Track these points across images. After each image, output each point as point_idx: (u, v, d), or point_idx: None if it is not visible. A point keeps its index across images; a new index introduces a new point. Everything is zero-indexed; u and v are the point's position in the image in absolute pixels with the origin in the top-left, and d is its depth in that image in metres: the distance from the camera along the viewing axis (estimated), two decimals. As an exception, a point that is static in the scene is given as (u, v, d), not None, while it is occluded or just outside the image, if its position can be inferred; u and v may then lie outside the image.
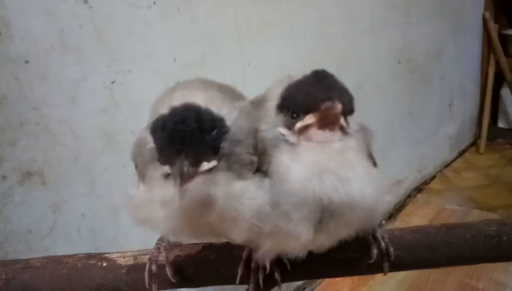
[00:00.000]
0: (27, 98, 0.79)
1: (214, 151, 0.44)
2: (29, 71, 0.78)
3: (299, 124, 0.44)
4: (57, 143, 0.84)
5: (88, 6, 0.84)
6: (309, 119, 0.44)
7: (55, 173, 0.84)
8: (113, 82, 0.90)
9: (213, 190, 0.43)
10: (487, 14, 2.27)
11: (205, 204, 0.43)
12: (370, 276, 1.49)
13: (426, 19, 1.92)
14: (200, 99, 0.46)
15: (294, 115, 0.45)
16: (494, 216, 1.76)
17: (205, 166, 0.43)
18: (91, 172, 0.89)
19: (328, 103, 0.42)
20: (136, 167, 0.52)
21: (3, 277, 0.58)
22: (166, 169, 0.43)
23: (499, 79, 2.39)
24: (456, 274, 1.46)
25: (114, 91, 0.91)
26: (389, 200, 0.49)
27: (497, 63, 2.32)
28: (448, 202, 1.94)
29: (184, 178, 0.41)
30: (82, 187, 0.88)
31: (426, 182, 2.11)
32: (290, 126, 0.45)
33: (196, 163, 0.42)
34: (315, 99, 0.43)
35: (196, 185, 0.42)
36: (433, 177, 2.16)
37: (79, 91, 0.85)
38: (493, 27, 2.28)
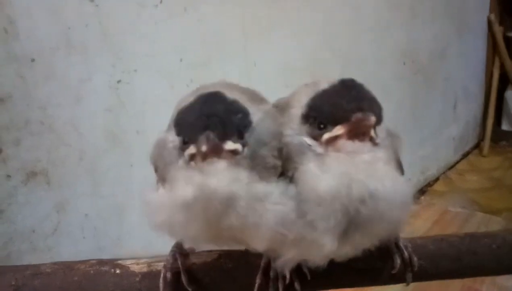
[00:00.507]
0: (32, 97, 0.78)
1: (238, 134, 0.43)
2: (34, 70, 0.78)
3: (326, 136, 0.43)
4: (62, 143, 0.83)
5: (94, 5, 0.83)
6: (338, 130, 0.43)
7: (59, 173, 0.83)
8: (118, 81, 0.89)
9: (236, 186, 0.42)
10: (492, 16, 2.26)
11: (227, 202, 0.42)
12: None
13: (431, 20, 1.91)
14: (233, 94, 0.46)
15: (321, 126, 0.44)
16: (498, 219, 1.75)
17: (230, 145, 0.42)
18: (95, 171, 0.89)
19: (359, 115, 0.42)
20: (156, 170, 0.50)
21: (13, 283, 0.57)
22: (191, 149, 0.42)
23: (504, 82, 2.38)
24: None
25: (120, 90, 0.90)
26: (413, 209, 0.47)
27: (502, 66, 2.31)
28: (452, 204, 1.93)
29: (209, 148, 0.41)
30: (86, 187, 0.88)
31: (429, 184, 2.10)
32: (316, 137, 0.44)
33: (222, 138, 0.42)
34: (344, 110, 0.42)
35: (219, 179, 0.41)
36: (437, 179, 2.15)
37: (84, 91, 0.85)
38: (498, 30, 2.27)
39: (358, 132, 0.42)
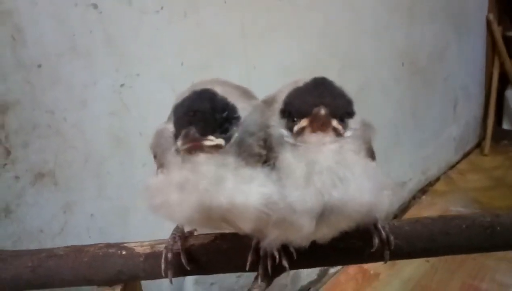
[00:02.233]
0: (39, 102, 0.81)
1: (222, 131, 0.48)
2: (41, 76, 0.80)
3: (296, 128, 0.48)
4: (68, 146, 0.86)
5: (98, 12, 0.86)
6: (303, 123, 0.48)
7: (66, 175, 0.86)
8: (122, 85, 0.92)
9: (223, 170, 0.47)
10: (491, 16, 2.27)
11: (216, 182, 0.47)
12: (374, 277, 1.50)
13: (430, 21, 1.93)
14: (219, 91, 0.50)
15: (294, 119, 0.49)
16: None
17: (212, 139, 0.47)
18: (100, 173, 0.91)
19: (316, 109, 0.46)
20: (155, 156, 0.56)
21: (29, 264, 0.63)
22: (179, 140, 0.47)
23: (504, 81, 2.39)
24: (460, 274, 1.47)
25: (123, 94, 0.93)
26: (389, 194, 0.52)
27: (502, 65, 2.32)
28: (453, 203, 1.94)
29: (188, 140, 0.46)
30: (92, 188, 0.91)
31: (430, 184, 2.11)
32: (290, 129, 0.49)
33: (203, 133, 0.47)
34: (308, 105, 0.47)
35: (207, 163, 0.47)
36: (438, 179, 2.16)
37: (89, 95, 0.88)
38: (497, 29, 2.28)
39: (319, 124, 0.47)
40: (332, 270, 1.55)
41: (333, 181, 0.47)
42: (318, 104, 0.46)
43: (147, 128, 0.98)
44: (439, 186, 2.12)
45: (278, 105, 0.51)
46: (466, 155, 2.38)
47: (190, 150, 0.47)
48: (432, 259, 1.52)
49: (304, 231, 0.49)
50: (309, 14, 1.36)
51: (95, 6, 0.86)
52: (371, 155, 0.54)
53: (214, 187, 0.48)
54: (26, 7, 0.78)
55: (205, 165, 0.47)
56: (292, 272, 0.60)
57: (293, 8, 1.30)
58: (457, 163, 2.31)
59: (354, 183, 0.48)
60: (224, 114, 0.49)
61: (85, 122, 0.88)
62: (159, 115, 0.98)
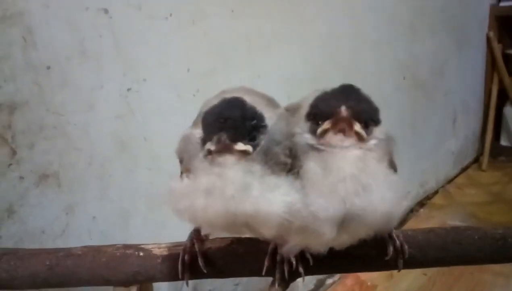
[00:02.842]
0: (47, 104, 0.82)
1: (250, 138, 0.50)
2: (50, 78, 0.81)
3: (319, 130, 0.49)
4: (73, 148, 0.86)
5: (108, 17, 0.87)
6: (326, 125, 0.49)
7: (69, 176, 0.86)
8: (128, 90, 0.93)
9: (250, 177, 0.49)
10: (491, 34, 2.31)
11: (243, 189, 0.49)
12: (371, 288, 1.50)
13: (431, 36, 1.95)
14: (247, 100, 0.52)
15: (319, 122, 0.50)
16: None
17: (241, 146, 0.49)
18: (104, 176, 0.92)
19: (338, 109, 0.47)
20: (181, 161, 0.57)
21: (47, 263, 0.63)
22: (207, 146, 0.49)
23: (503, 98, 2.42)
24: (457, 289, 1.47)
25: (129, 98, 0.94)
26: (406, 205, 0.52)
27: (501, 82, 2.35)
28: (451, 217, 1.95)
29: (219, 146, 0.48)
30: (94, 190, 0.91)
31: (428, 197, 2.12)
32: (314, 132, 0.50)
33: (233, 139, 0.48)
34: (332, 107, 0.48)
35: (235, 170, 0.48)
36: (436, 192, 2.17)
37: (96, 98, 0.88)
38: (497, 47, 2.31)
39: (341, 126, 0.48)
40: (329, 280, 1.55)
41: (356, 189, 0.48)
42: (339, 106, 0.47)
43: (151, 133, 0.99)
44: (437, 200, 2.13)
45: (304, 110, 0.52)
46: (464, 170, 2.40)
47: (220, 153, 0.49)
48: (430, 273, 1.52)
49: (325, 238, 0.49)
50: (313, 25, 1.38)
51: (105, 11, 0.87)
52: (393, 166, 0.55)
53: (240, 194, 0.49)
54: (37, 9, 0.79)
55: (232, 172, 0.49)
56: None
57: (297, 20, 1.32)
58: (455, 177, 2.32)
59: (376, 192, 0.48)
60: (253, 122, 0.50)
61: (90, 125, 0.88)
62: (164, 120, 1.00)
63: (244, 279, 1.24)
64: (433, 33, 1.96)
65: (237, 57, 1.15)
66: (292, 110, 0.56)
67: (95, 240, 0.92)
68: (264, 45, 1.22)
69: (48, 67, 0.81)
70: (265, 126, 0.51)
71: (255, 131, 0.50)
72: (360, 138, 0.49)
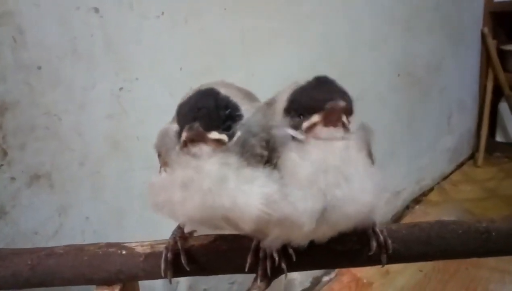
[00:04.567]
0: (38, 104, 0.81)
1: (225, 127, 0.50)
2: (41, 78, 0.81)
3: (306, 124, 0.49)
4: (65, 148, 0.86)
5: (100, 16, 0.87)
6: (315, 118, 0.48)
7: (62, 177, 0.86)
8: (120, 89, 0.93)
9: (226, 169, 0.48)
10: (486, 30, 2.31)
11: (219, 182, 0.48)
12: (367, 285, 1.50)
13: (426, 33, 1.95)
14: (223, 91, 0.52)
15: (301, 116, 0.49)
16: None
17: (214, 134, 0.49)
18: (97, 176, 0.91)
19: (331, 103, 0.47)
20: (159, 155, 0.57)
21: (29, 262, 0.63)
22: (183, 135, 0.49)
23: (498, 94, 2.42)
24: (453, 284, 1.48)
25: (122, 98, 0.93)
26: (386, 196, 0.52)
27: (496, 78, 2.35)
28: (446, 214, 1.95)
29: (192, 134, 0.48)
30: (87, 190, 0.90)
31: (424, 194, 2.12)
32: (297, 127, 0.50)
33: (206, 128, 0.48)
34: (319, 100, 0.48)
35: (211, 162, 0.48)
36: (431, 189, 2.18)
37: (88, 98, 0.88)
38: (492, 43, 2.31)
39: (332, 119, 0.48)
40: (325, 278, 1.55)
41: (337, 180, 0.48)
42: (329, 99, 0.47)
43: (144, 132, 0.98)
44: (432, 196, 2.14)
45: (281, 104, 0.52)
46: (459, 166, 2.40)
47: (193, 142, 0.48)
48: (426, 269, 1.53)
49: (304, 230, 0.49)
50: (308, 24, 1.37)
51: (96, 10, 0.86)
52: (371, 157, 0.55)
53: (217, 187, 0.48)
54: (28, 9, 0.78)
55: (208, 164, 0.49)
56: (286, 280, 0.61)
57: (293, 18, 1.31)
58: (451, 173, 2.33)
59: (357, 183, 0.48)
60: (227, 112, 0.50)
61: (83, 125, 0.88)
62: (157, 119, 0.98)
63: (239, 278, 1.24)
64: (428, 31, 1.96)
65: (231, 56, 1.15)
66: (269, 104, 0.56)
67: (88, 241, 0.90)
68: (258, 43, 1.22)
69: (39, 67, 0.80)
70: (240, 116, 0.51)
71: (229, 121, 0.50)
72: (345, 129, 0.49)
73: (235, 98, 0.52)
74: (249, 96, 0.57)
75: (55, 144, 0.84)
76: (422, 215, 1.97)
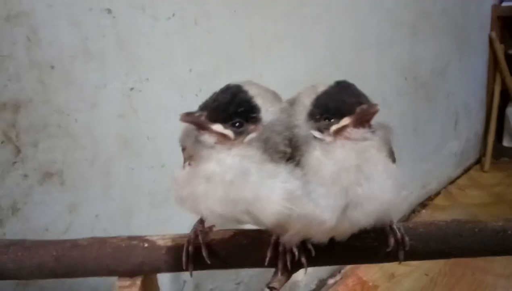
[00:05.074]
0: (51, 102, 0.83)
1: (233, 124, 0.51)
2: (53, 77, 0.82)
3: (334, 127, 0.51)
4: (77, 146, 0.87)
5: (112, 16, 0.88)
6: (345, 121, 0.50)
7: (73, 174, 0.87)
8: (131, 89, 0.94)
9: (248, 163, 0.50)
10: (493, 34, 2.31)
11: (242, 175, 0.50)
12: (373, 288, 1.50)
13: (433, 37, 1.96)
14: (252, 92, 0.53)
15: (328, 120, 0.51)
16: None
17: (218, 127, 0.51)
18: (107, 174, 0.92)
19: (362, 107, 0.50)
20: (184, 149, 0.58)
21: (54, 254, 0.65)
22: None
23: (505, 98, 2.41)
24: (459, 289, 1.47)
25: (132, 98, 0.94)
26: (405, 194, 0.54)
27: (503, 82, 2.35)
28: (453, 218, 1.94)
29: (189, 118, 0.51)
30: (98, 188, 0.92)
31: (430, 198, 2.12)
32: (322, 129, 0.52)
33: (211, 119, 0.51)
34: (347, 104, 0.51)
35: (232, 156, 0.50)
36: (438, 193, 2.17)
37: (99, 97, 0.89)
38: (499, 47, 2.31)
39: (361, 121, 0.50)
40: (331, 280, 1.55)
41: (359, 179, 0.49)
42: (357, 103, 0.50)
43: (154, 132, 1.00)
44: (439, 201, 2.13)
45: (302, 108, 0.54)
46: (466, 171, 2.39)
47: (200, 132, 0.51)
48: (431, 273, 1.52)
49: (325, 227, 0.50)
50: (315, 27, 1.38)
51: (109, 11, 0.88)
52: (391, 155, 0.57)
53: (239, 180, 0.50)
54: (42, 9, 0.80)
55: (230, 158, 0.50)
56: (290, 281, 0.62)
57: (300, 21, 1.33)
58: (457, 178, 2.32)
59: (377, 181, 0.50)
60: (239, 110, 0.51)
61: (94, 123, 0.89)
62: (166, 119, 1.01)
63: (245, 278, 1.25)
64: (435, 35, 1.97)
65: (239, 57, 1.16)
66: (291, 103, 0.57)
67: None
68: (266, 45, 1.23)
69: (52, 66, 0.82)
70: (255, 118, 0.52)
71: (240, 119, 0.51)
72: (370, 131, 0.51)
73: (266, 99, 0.54)
74: (277, 97, 0.59)
75: (67, 142, 0.86)
76: (429, 219, 1.96)
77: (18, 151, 0.80)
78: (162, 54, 0.99)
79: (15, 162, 0.79)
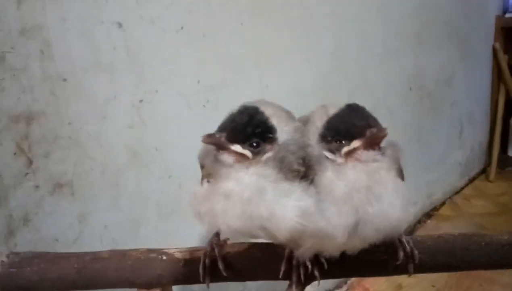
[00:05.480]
0: (62, 114, 0.84)
1: (251, 144, 0.54)
2: (66, 89, 0.83)
3: (346, 149, 0.53)
4: (87, 157, 0.88)
5: (123, 30, 0.90)
6: (355, 143, 0.53)
7: (83, 185, 0.88)
8: (140, 101, 0.95)
9: (263, 181, 0.52)
10: (497, 45, 2.32)
11: (258, 193, 0.52)
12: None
13: (437, 48, 1.97)
14: (268, 112, 0.56)
15: (339, 142, 0.54)
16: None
17: (237, 147, 0.53)
18: (116, 185, 0.93)
19: (372, 130, 0.52)
20: (202, 167, 0.60)
21: (76, 266, 0.66)
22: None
23: (509, 109, 2.42)
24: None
25: (141, 109, 0.96)
26: (412, 211, 0.56)
27: (507, 93, 2.35)
28: (458, 228, 1.93)
29: (210, 139, 0.53)
30: (107, 199, 0.92)
31: (435, 208, 2.11)
32: (334, 151, 0.54)
33: (230, 140, 0.53)
34: (358, 127, 0.53)
35: (250, 175, 0.52)
36: (443, 203, 2.16)
37: (109, 109, 0.90)
38: (503, 58, 2.32)
39: (371, 144, 0.53)
40: (336, 291, 1.54)
41: (369, 199, 0.52)
42: (367, 126, 0.53)
43: (162, 143, 1.01)
44: (444, 211, 2.12)
45: (314, 129, 0.57)
46: (471, 181, 2.39)
47: (219, 152, 0.53)
48: (438, 284, 1.51)
49: (337, 242, 0.52)
50: (321, 38, 1.40)
51: (119, 24, 0.90)
52: (400, 173, 0.59)
53: (256, 198, 0.52)
54: (55, 23, 0.82)
55: (248, 176, 0.52)
56: None
57: (306, 32, 1.34)
58: (462, 188, 2.31)
59: (387, 200, 0.52)
60: (257, 130, 0.54)
61: (104, 135, 0.90)
62: (175, 131, 1.02)
63: (253, 289, 1.25)
64: (440, 45, 1.98)
65: (246, 69, 1.17)
66: (304, 122, 0.60)
67: (106, 249, 0.93)
68: (273, 57, 1.24)
69: (65, 79, 0.83)
70: (272, 138, 0.54)
71: (257, 139, 0.53)
72: (380, 152, 0.53)
73: (278, 119, 0.56)
74: (290, 116, 0.62)
75: (77, 153, 0.87)
76: (434, 230, 1.95)
77: (30, 162, 0.81)
78: (171, 66, 1.00)
79: (27, 173, 0.80)
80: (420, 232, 1.92)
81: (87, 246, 0.90)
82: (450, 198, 2.21)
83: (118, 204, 0.95)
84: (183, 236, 1.02)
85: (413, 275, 0.67)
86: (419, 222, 1.99)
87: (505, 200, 2.17)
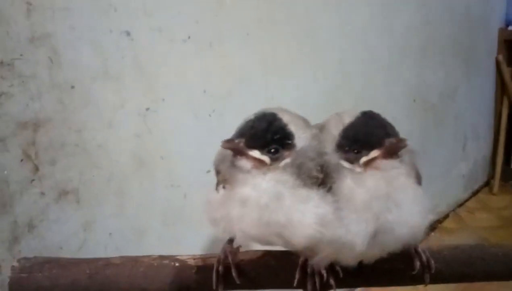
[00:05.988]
0: (70, 122, 0.84)
1: (269, 150, 0.53)
2: (73, 97, 0.84)
3: (364, 159, 0.52)
4: (93, 165, 0.88)
5: (131, 39, 0.91)
6: (374, 153, 0.52)
7: (88, 193, 0.88)
8: (147, 109, 0.96)
9: (281, 187, 0.52)
10: (500, 57, 2.33)
11: (275, 199, 0.51)
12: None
13: (441, 61, 1.98)
14: (286, 119, 0.55)
15: (357, 151, 0.53)
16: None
17: (256, 153, 0.53)
18: (121, 193, 0.93)
19: (392, 140, 0.52)
20: (218, 173, 0.60)
21: (87, 272, 0.66)
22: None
23: (513, 122, 2.42)
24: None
25: (147, 118, 0.96)
26: (432, 218, 0.55)
27: (511, 105, 2.36)
28: (462, 241, 1.92)
29: (229, 145, 0.53)
30: (112, 207, 0.92)
31: (439, 221, 2.10)
32: (352, 160, 0.53)
33: (249, 146, 0.53)
34: (375, 137, 0.52)
35: (267, 180, 0.52)
36: (446, 216, 2.15)
37: (116, 117, 0.91)
38: (506, 70, 2.33)
39: (390, 153, 0.52)
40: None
41: (389, 206, 0.51)
42: (385, 135, 0.52)
43: (168, 151, 1.01)
44: (447, 223, 2.11)
45: (332, 137, 0.56)
46: (475, 193, 2.38)
47: (238, 157, 0.53)
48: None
49: (356, 251, 0.52)
50: (326, 51, 1.41)
51: (128, 33, 0.90)
52: (418, 178, 0.58)
53: (273, 204, 0.51)
54: (64, 31, 0.82)
55: (265, 182, 0.52)
56: None
57: (311, 45, 1.35)
58: (466, 200, 2.30)
59: (406, 207, 0.52)
60: (276, 137, 0.53)
61: (110, 143, 0.90)
62: (180, 139, 1.02)
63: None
64: (443, 58, 1.99)
65: (252, 79, 1.18)
66: (320, 129, 0.60)
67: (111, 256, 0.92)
68: (278, 68, 1.25)
69: (72, 87, 0.84)
70: (290, 144, 0.54)
71: (276, 145, 0.53)
72: (399, 160, 0.53)
73: (296, 125, 0.56)
74: (307, 124, 0.61)
75: (84, 161, 0.87)
76: (437, 243, 1.93)
77: (36, 169, 0.81)
78: (178, 76, 1.01)
79: (33, 180, 0.81)
80: (424, 245, 1.91)
81: (91, 254, 0.89)
82: (453, 210, 2.20)
83: (123, 212, 0.94)
84: (188, 245, 1.01)
85: (415, 288, 0.67)
86: (423, 234, 1.98)
87: (509, 213, 2.16)
